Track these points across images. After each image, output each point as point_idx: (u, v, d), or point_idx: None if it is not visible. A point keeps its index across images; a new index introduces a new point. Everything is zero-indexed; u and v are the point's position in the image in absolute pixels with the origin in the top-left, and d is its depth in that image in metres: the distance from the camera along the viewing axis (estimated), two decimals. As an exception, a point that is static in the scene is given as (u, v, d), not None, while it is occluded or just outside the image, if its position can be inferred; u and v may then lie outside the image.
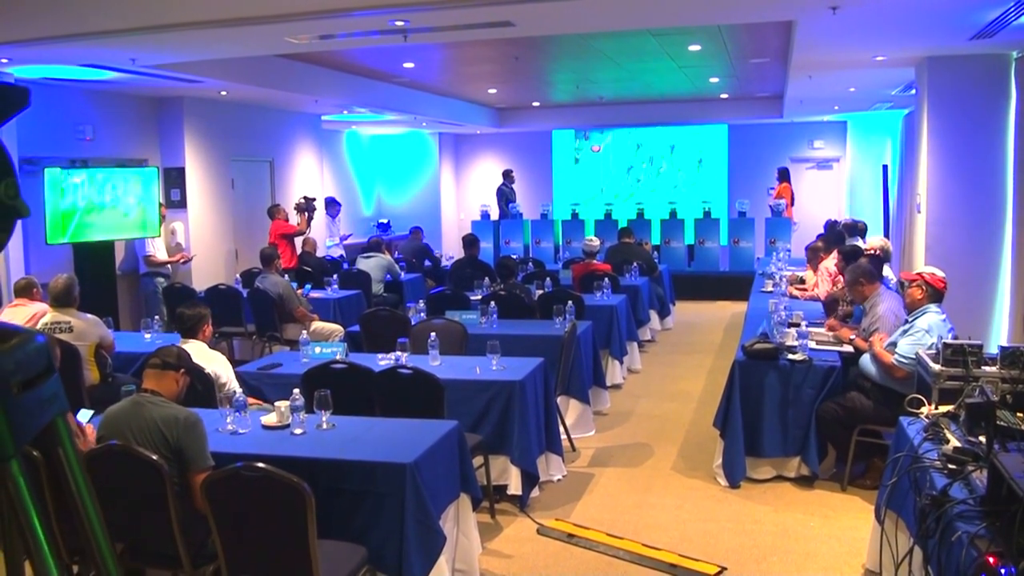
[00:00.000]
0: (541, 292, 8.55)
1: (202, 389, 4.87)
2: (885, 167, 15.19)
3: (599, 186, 18.67)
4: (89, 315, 6.36)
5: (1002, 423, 3.33)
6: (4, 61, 7.59)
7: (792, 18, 7.12)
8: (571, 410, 6.77)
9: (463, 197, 19.26)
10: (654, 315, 10.87)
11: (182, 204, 10.98)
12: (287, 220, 11.64)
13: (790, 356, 5.71)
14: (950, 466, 3.33)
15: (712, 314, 12.76)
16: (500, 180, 17.01)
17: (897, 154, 13.76)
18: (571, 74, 12.90)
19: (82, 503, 1.11)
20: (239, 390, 4.97)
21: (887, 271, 7.62)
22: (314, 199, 12.13)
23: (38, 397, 1.05)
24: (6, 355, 1.01)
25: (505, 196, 16.52)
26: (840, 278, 7.72)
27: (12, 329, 1.06)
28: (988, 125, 8.20)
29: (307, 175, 13.77)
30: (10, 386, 1.01)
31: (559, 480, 5.87)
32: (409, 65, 11.20)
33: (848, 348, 5.96)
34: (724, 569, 4.56)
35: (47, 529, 1.04)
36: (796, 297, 8.52)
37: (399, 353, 5.71)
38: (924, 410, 4.07)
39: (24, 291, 6.70)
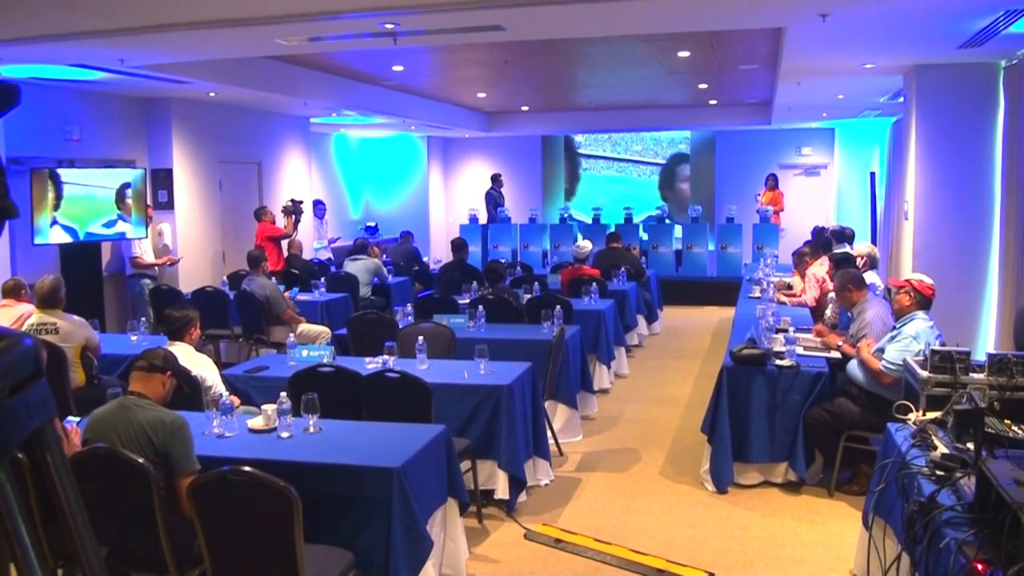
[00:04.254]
0: (529, 296, 8.55)
1: (189, 392, 4.83)
2: (872, 174, 15.26)
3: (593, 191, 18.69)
4: (75, 316, 6.32)
5: (990, 430, 3.34)
6: (-9, 60, 7.55)
7: (782, 25, 7.14)
8: (559, 414, 6.76)
9: (451, 201, 19.25)
10: (642, 320, 10.88)
11: (169, 206, 10.93)
12: (274, 222, 11.59)
13: (778, 362, 5.73)
14: (938, 472, 3.34)
15: (700, 319, 12.78)
16: (488, 184, 17.01)
17: (884, 161, 13.82)
18: (560, 79, 12.91)
19: (69, 510, 1.09)
20: (225, 393, 4.94)
21: (875, 277, 7.64)
22: (301, 202, 12.10)
23: (25, 402, 1.03)
24: (-7, 358, 0.99)
25: (494, 200, 16.53)
26: (829, 284, 7.75)
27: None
28: (976, 133, 8.24)
29: (295, 178, 13.74)
30: (-3, 390, 0.99)
31: (546, 485, 5.86)
32: (398, 68, 11.19)
33: (836, 354, 5.98)
34: (711, 574, 4.55)
35: (33, 535, 1.02)
36: (784, 303, 8.54)
37: (386, 357, 5.69)
38: (912, 416, 4.07)
39: (12, 292, 6.67)
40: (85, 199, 9.52)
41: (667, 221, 15.45)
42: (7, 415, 0.99)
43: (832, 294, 7.21)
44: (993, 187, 8.20)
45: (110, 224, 9.84)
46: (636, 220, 16.16)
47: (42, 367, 1.07)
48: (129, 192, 9.95)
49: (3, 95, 1.07)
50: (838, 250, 8.83)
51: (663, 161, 18.63)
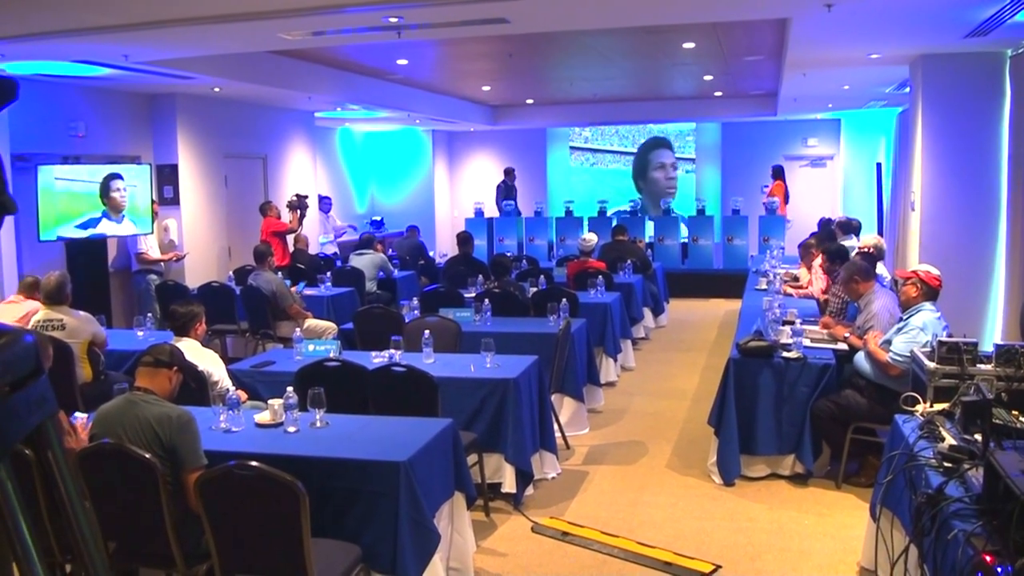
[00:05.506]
0: (535, 290, 8.54)
1: (195, 387, 4.84)
2: (879, 165, 15.20)
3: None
4: (81, 312, 6.33)
5: (998, 421, 3.32)
6: (-4, 57, 7.56)
7: (787, 15, 7.11)
8: (565, 408, 6.76)
9: (457, 194, 19.22)
10: (648, 313, 10.87)
11: (175, 201, 10.94)
12: (279, 217, 11.60)
13: (784, 354, 5.71)
14: (946, 464, 3.32)
15: (706, 312, 12.76)
16: (493, 178, 16.95)
17: (891, 152, 13.77)
18: (565, 71, 12.89)
19: (71, 507, 1.09)
20: (232, 388, 4.95)
21: (881, 269, 7.61)
22: (306, 197, 12.09)
23: (26, 399, 1.02)
24: (-7, 355, 0.99)
25: (503, 192, 16.47)
26: (827, 277, 7.73)
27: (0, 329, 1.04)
28: (982, 123, 8.20)
29: (300, 172, 13.74)
30: (-3, 387, 0.98)
31: (553, 478, 5.86)
32: (403, 62, 11.17)
33: (843, 346, 5.96)
34: (719, 567, 4.55)
35: (35, 533, 1.02)
36: (790, 295, 8.51)
37: (393, 351, 5.70)
38: (919, 408, 4.06)
39: (28, 289, 6.73)
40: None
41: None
42: (7, 413, 0.99)
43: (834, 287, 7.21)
44: (1000, 177, 8.17)
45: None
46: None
47: (43, 364, 1.06)
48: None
49: (1, 90, 1.06)
50: (845, 241, 8.82)
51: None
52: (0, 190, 1.02)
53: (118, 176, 9.64)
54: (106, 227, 9.60)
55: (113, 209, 9.59)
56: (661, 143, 18.54)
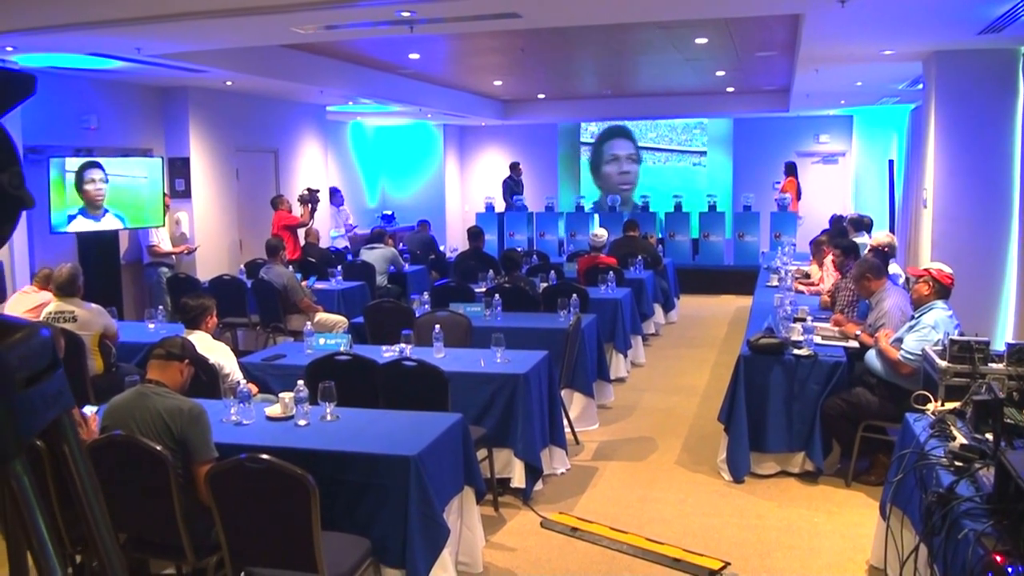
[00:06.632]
0: (545, 285, 8.54)
1: (206, 380, 4.86)
2: (891, 162, 15.14)
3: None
4: (93, 305, 6.35)
5: (1009, 420, 3.31)
6: (9, 49, 7.59)
7: (800, 11, 7.08)
8: (575, 403, 6.76)
9: (468, 189, 19.23)
10: (658, 309, 10.85)
11: (186, 194, 10.97)
12: (290, 211, 11.62)
13: (795, 351, 5.70)
14: (956, 463, 3.31)
15: (717, 308, 12.74)
16: (505, 172, 16.96)
17: (903, 149, 13.71)
18: (577, 66, 12.87)
19: (86, 499, 1.10)
20: (243, 381, 4.96)
21: (894, 267, 7.59)
22: (317, 191, 12.11)
23: (42, 393, 1.03)
24: (10, 349, 0.99)
25: (510, 188, 16.48)
26: (837, 273, 7.72)
27: (16, 323, 1.04)
28: (996, 120, 8.16)
29: (311, 166, 13.76)
30: (14, 382, 0.98)
31: (563, 473, 5.86)
32: (415, 56, 11.17)
33: (854, 343, 5.95)
34: (728, 564, 4.55)
35: (51, 526, 1.02)
36: (801, 292, 8.49)
37: (403, 345, 5.71)
38: (930, 406, 4.05)
39: (42, 280, 6.74)
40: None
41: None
42: (24, 407, 0.99)
43: (842, 281, 7.20)
44: (1012, 175, 8.12)
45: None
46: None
47: (59, 358, 1.07)
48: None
49: (18, 85, 1.07)
50: (857, 239, 8.78)
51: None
52: (18, 184, 1.02)
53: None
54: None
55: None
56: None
